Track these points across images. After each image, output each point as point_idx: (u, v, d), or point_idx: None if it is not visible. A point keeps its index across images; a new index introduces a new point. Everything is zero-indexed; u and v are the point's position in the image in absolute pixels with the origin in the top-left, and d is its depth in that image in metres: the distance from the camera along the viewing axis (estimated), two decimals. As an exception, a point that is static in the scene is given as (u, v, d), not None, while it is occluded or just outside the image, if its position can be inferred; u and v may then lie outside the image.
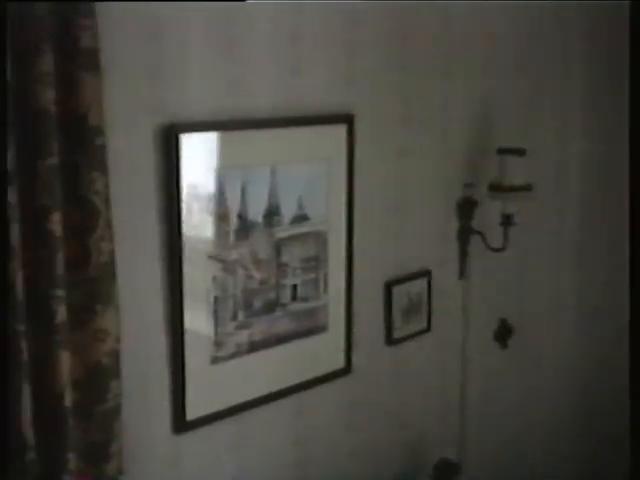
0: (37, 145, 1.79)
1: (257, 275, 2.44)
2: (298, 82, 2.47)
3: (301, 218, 2.53)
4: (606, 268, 3.66)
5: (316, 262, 2.60)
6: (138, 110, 2.12)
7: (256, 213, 2.40)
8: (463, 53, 2.97)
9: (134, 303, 2.18)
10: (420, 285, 2.98)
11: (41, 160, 1.79)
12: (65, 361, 1.88)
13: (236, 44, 2.30)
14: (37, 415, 1.83)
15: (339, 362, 2.73)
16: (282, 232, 2.48)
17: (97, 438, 2.03)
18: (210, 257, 2.31)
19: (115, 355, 2.04)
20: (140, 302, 2.21)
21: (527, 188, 2.98)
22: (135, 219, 2.16)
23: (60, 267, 1.84)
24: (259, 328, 2.46)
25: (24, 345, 1.78)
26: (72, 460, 1.91)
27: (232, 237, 2.35)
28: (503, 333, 3.38)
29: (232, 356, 2.41)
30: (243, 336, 2.43)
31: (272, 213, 2.44)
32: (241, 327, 2.42)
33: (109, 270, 1.99)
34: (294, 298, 2.55)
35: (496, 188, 3.00)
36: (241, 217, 2.36)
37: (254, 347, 2.46)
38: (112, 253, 2.00)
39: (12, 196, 1.73)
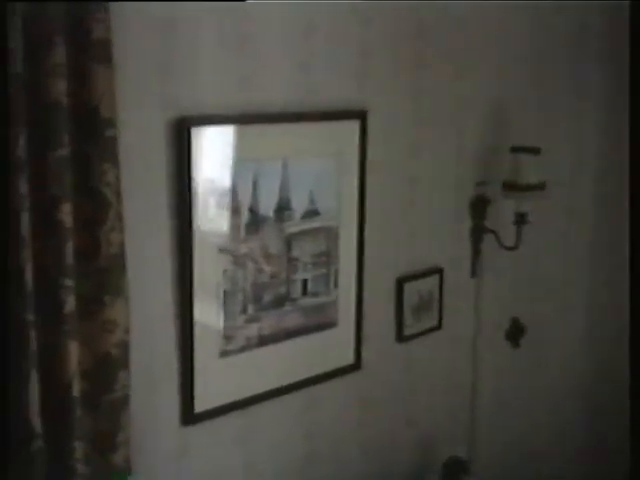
0: (48, 136, 1.80)
1: (267, 269, 2.44)
2: (311, 77, 2.47)
3: (312, 213, 2.53)
4: (620, 268, 3.63)
5: (327, 257, 2.60)
6: (150, 103, 2.13)
7: (267, 207, 2.41)
8: (477, 51, 2.96)
9: (144, 295, 2.19)
10: (432, 283, 2.98)
11: (52, 151, 1.80)
12: (73, 351, 1.89)
13: (249, 39, 2.30)
14: (45, 404, 1.85)
15: (349, 358, 2.74)
16: (293, 227, 2.48)
17: (105, 428, 2.05)
18: (221, 250, 2.32)
19: (124, 346, 2.05)
20: (150, 294, 2.22)
21: (541, 187, 2.97)
22: (146, 212, 2.18)
23: (69, 257, 1.86)
24: (269, 322, 2.47)
25: (33, 334, 1.79)
26: (79, 449, 1.93)
27: (243, 231, 2.36)
28: (515, 332, 3.37)
29: (241, 350, 2.42)
30: (253, 330, 2.44)
31: (283, 208, 2.45)
32: (251, 321, 2.43)
33: (119, 262, 2.00)
34: (304, 293, 2.55)
35: (510, 187, 2.99)
36: (252, 211, 2.37)
37: (263, 341, 2.47)
38: (122, 245, 2.01)
39: (23, 186, 1.74)
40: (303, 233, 2.52)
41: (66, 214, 1.84)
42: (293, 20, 2.40)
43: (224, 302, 2.35)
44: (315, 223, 2.55)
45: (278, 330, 2.50)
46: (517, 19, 3.10)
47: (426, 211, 2.92)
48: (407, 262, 2.90)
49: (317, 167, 2.52)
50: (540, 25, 3.20)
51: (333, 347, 2.69)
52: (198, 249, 2.26)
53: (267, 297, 2.46)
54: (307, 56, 2.45)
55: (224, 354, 2.38)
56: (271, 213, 2.42)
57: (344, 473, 2.83)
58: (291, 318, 2.53)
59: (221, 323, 2.36)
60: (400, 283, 2.87)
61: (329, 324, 2.65)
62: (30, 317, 1.78)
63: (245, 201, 2.35)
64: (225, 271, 2.34)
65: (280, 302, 2.49)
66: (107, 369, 2.03)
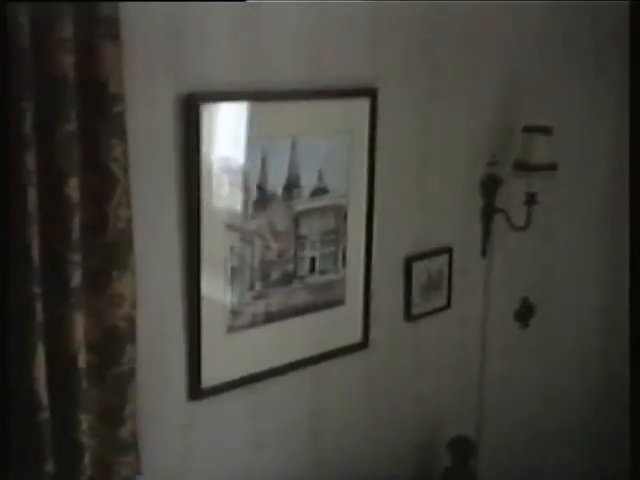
0: (55, 111, 1.81)
1: (275, 246, 2.45)
2: (322, 55, 2.47)
3: (321, 191, 2.53)
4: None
5: (335, 235, 2.61)
6: (159, 79, 2.14)
7: (276, 185, 2.41)
8: (492, 30, 2.94)
9: (151, 270, 2.21)
10: (441, 262, 2.98)
11: (59, 126, 1.81)
12: (79, 324, 1.91)
13: (259, 15, 2.30)
14: (51, 376, 1.87)
15: (356, 336, 2.75)
16: (301, 204, 2.49)
17: (111, 401, 2.07)
18: (228, 227, 2.33)
19: (131, 320, 2.07)
20: (158, 270, 2.24)
21: (552, 167, 2.96)
22: (154, 187, 2.19)
23: (76, 232, 1.87)
24: (276, 299, 2.48)
25: (39, 307, 1.81)
26: (85, 421, 1.95)
27: (251, 208, 2.37)
28: (524, 312, 3.37)
29: (248, 326, 2.43)
30: (260, 306, 2.45)
31: (292, 185, 2.45)
32: (258, 297, 2.44)
33: (126, 236, 2.02)
34: (312, 270, 2.56)
35: (521, 166, 2.98)
36: (260, 188, 2.38)
37: (271, 318, 2.48)
38: (129, 220, 2.02)
39: (30, 161, 1.76)
40: (312, 211, 2.52)
41: (73, 189, 1.85)
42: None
43: (231, 278, 2.37)
44: (324, 201, 2.55)
45: (286, 307, 2.51)
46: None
47: (436, 190, 2.91)
48: (416, 241, 2.90)
49: (327, 145, 2.52)
50: (557, 5, 3.17)
51: (341, 325, 2.70)
52: (206, 225, 2.27)
53: (275, 274, 2.47)
54: (318, 33, 2.45)
55: (231, 330, 2.40)
56: (280, 191, 2.42)
57: (351, 450, 2.85)
58: (299, 295, 2.54)
59: (228, 299, 2.37)
60: (409, 262, 2.87)
61: (337, 302, 2.66)
62: (37, 290, 1.80)
63: (253, 178, 2.36)
64: (232, 248, 2.35)
65: (288, 279, 2.50)
66: (114, 342, 2.05)
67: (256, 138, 2.34)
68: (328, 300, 2.63)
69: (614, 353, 3.55)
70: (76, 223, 1.87)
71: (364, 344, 2.77)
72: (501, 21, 2.97)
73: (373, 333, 2.79)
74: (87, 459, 1.97)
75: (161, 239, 2.23)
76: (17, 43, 1.70)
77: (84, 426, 1.95)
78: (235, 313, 2.40)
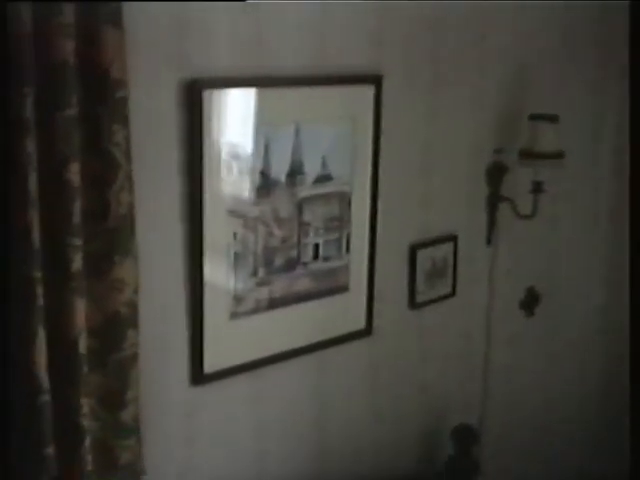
0: (56, 96, 1.81)
1: (278, 233, 2.45)
2: (326, 41, 2.47)
3: (325, 178, 2.53)
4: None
5: (339, 222, 2.61)
6: (162, 65, 2.13)
7: (279, 171, 2.41)
8: (498, 17, 2.93)
9: (154, 256, 2.21)
10: (446, 250, 2.98)
11: (60, 111, 1.81)
12: (80, 308, 1.92)
13: (263, 1, 2.29)
14: (52, 360, 1.88)
15: (360, 323, 2.75)
16: (305, 191, 2.49)
17: (113, 385, 2.08)
18: (231, 213, 2.33)
19: (133, 305, 2.07)
20: (160, 255, 2.24)
21: (558, 155, 2.95)
22: (157, 173, 2.19)
23: (77, 217, 1.88)
24: (279, 285, 2.49)
25: (39, 291, 1.82)
26: (85, 405, 1.96)
27: (254, 194, 2.37)
28: (530, 301, 3.37)
29: (251, 312, 2.44)
30: (263, 293, 2.45)
31: (295, 172, 2.45)
32: (261, 284, 2.45)
33: (128, 222, 2.02)
34: (316, 257, 2.57)
35: (527, 154, 2.98)
36: (263, 175, 2.38)
37: (274, 304, 2.49)
38: (131, 205, 2.03)
39: (30, 146, 1.76)
40: (315, 198, 2.52)
41: (74, 174, 1.86)
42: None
43: (234, 264, 2.37)
44: (328, 188, 2.55)
45: (289, 293, 2.52)
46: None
47: (441, 178, 2.91)
48: (421, 229, 2.90)
49: (331, 132, 2.52)
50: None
51: (344, 312, 2.70)
52: (208, 211, 2.27)
53: (278, 261, 2.47)
54: (322, 20, 2.44)
55: (234, 316, 2.40)
56: (283, 177, 2.42)
57: (355, 437, 2.86)
58: (302, 282, 2.55)
59: (231, 285, 2.38)
60: (413, 249, 2.87)
61: (340, 289, 2.66)
62: (37, 274, 1.81)
63: (257, 165, 2.36)
64: (235, 234, 2.35)
65: (291, 266, 2.50)
66: (116, 327, 2.05)
67: (259, 124, 2.34)
68: (332, 287, 2.63)
69: (618, 341, 3.52)
70: (77, 207, 1.87)
71: (368, 331, 2.78)
72: (507, 9, 2.95)
73: (377, 320, 2.79)
74: (88, 443, 1.98)
75: (164, 224, 2.24)
76: (18, 28, 1.71)
77: (85, 410, 1.96)
78: (238, 299, 2.40)
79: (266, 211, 2.41)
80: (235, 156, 2.31)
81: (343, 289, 2.67)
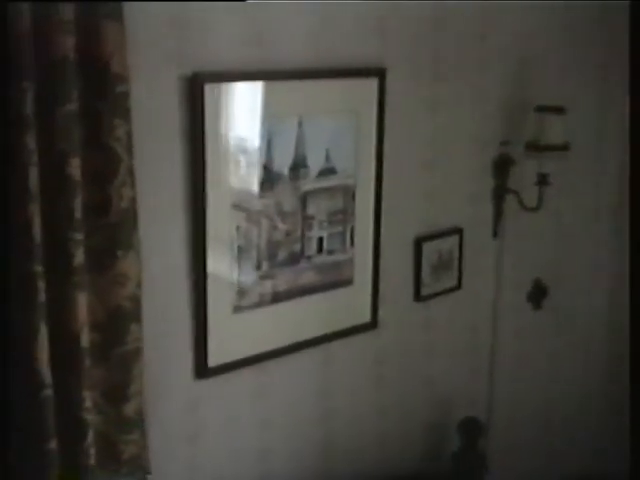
0: (56, 91, 1.81)
1: (282, 226, 2.45)
2: (329, 34, 2.46)
3: (328, 171, 2.53)
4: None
5: (343, 215, 2.60)
6: (163, 59, 2.14)
7: (282, 165, 2.41)
8: (504, 8, 2.90)
9: (158, 250, 2.22)
10: (451, 242, 2.97)
11: (60, 106, 1.82)
12: (82, 303, 1.92)
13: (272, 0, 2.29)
14: (54, 355, 1.89)
15: (365, 316, 2.75)
16: (308, 184, 2.48)
17: (117, 379, 2.09)
18: (234, 207, 2.33)
19: (136, 300, 2.08)
20: (164, 249, 2.25)
21: (564, 147, 2.93)
22: (159, 167, 2.19)
23: (78, 212, 1.88)
24: (283, 279, 2.49)
25: (41, 286, 1.82)
26: (88, 399, 1.97)
27: (257, 188, 2.37)
28: (537, 294, 3.35)
29: (255, 306, 2.44)
30: (267, 286, 2.45)
31: (299, 165, 2.45)
32: (265, 277, 2.45)
33: (130, 216, 2.02)
34: (320, 250, 2.56)
35: (533, 146, 2.96)
36: (266, 168, 2.38)
37: (278, 298, 2.49)
38: (133, 200, 2.03)
39: (31, 141, 1.77)
40: (319, 191, 2.52)
41: (75, 169, 1.86)
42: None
43: (238, 258, 2.37)
44: (331, 181, 2.55)
45: (293, 287, 2.52)
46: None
47: (447, 170, 2.90)
48: (426, 222, 2.89)
49: (334, 125, 2.52)
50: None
51: (349, 305, 2.70)
52: (211, 205, 2.27)
53: (282, 254, 2.47)
54: (325, 12, 2.43)
55: (238, 310, 2.41)
56: (286, 171, 2.42)
57: (360, 431, 2.86)
58: (306, 275, 2.55)
59: (235, 279, 2.38)
60: (419, 242, 2.86)
61: (345, 282, 2.66)
62: (38, 269, 1.81)
63: (260, 158, 2.36)
64: (239, 227, 2.35)
65: (295, 259, 2.50)
66: (119, 322, 2.06)
67: (262, 118, 2.34)
68: (336, 280, 2.63)
69: (625, 334, 3.50)
70: (78, 202, 1.88)
71: (373, 324, 2.77)
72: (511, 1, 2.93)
73: (382, 313, 2.79)
74: (91, 437, 1.99)
75: (167, 219, 2.24)
76: (18, 25, 1.71)
77: (87, 404, 1.97)
78: (242, 293, 2.40)
79: (269, 205, 2.41)
80: (238, 150, 2.31)
81: (347, 282, 2.66)
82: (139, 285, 2.08)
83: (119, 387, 2.09)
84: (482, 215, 3.07)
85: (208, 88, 2.20)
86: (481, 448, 2.99)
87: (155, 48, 2.11)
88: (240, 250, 2.37)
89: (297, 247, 2.50)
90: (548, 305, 3.38)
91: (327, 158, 2.51)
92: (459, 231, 2.98)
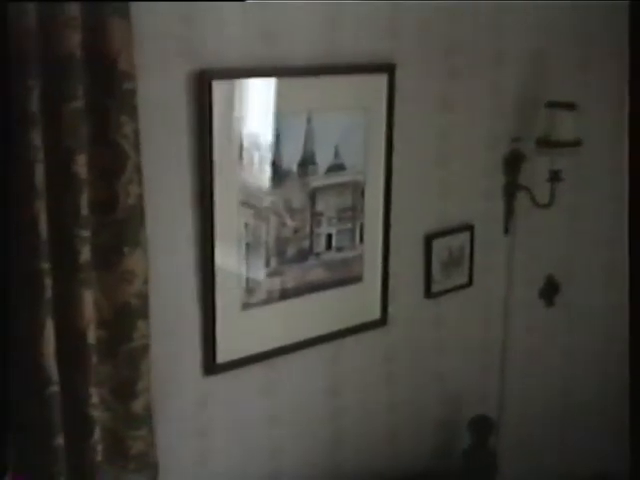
0: (62, 88, 1.82)
1: (290, 223, 2.45)
2: (338, 29, 2.45)
3: (337, 167, 2.52)
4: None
5: (352, 212, 2.60)
6: (171, 56, 2.13)
7: (291, 161, 2.40)
8: (514, 4, 2.88)
9: (166, 247, 2.22)
10: (462, 239, 2.96)
11: (66, 103, 1.82)
12: (88, 300, 1.93)
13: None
14: (60, 351, 1.89)
15: (374, 313, 2.74)
16: (317, 181, 2.48)
17: (124, 376, 2.09)
18: (242, 203, 2.33)
19: (143, 296, 2.08)
20: (172, 246, 2.25)
21: (576, 143, 2.91)
22: (167, 164, 2.19)
23: (85, 209, 1.89)
24: (292, 276, 2.48)
25: (47, 283, 1.83)
26: (95, 396, 1.97)
27: (265, 185, 2.36)
28: (549, 290, 3.33)
29: (264, 302, 2.44)
30: (275, 283, 2.45)
31: (307, 162, 2.44)
32: (273, 274, 2.44)
33: (137, 213, 2.03)
34: (328, 247, 2.56)
35: (544, 143, 2.94)
36: (275, 165, 2.37)
37: (286, 294, 2.48)
38: (141, 197, 2.03)
39: (37, 138, 1.77)
40: (328, 187, 2.51)
41: (81, 166, 1.87)
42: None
43: (246, 255, 2.37)
44: (340, 177, 2.54)
45: (301, 284, 2.51)
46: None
47: (457, 167, 2.88)
48: (437, 218, 2.88)
49: (343, 121, 2.51)
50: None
51: (358, 302, 2.69)
52: (219, 202, 2.27)
53: (290, 251, 2.47)
54: (334, 7, 2.42)
55: (246, 306, 2.40)
56: (295, 167, 2.42)
57: (370, 428, 2.85)
58: (315, 272, 2.54)
59: (243, 276, 2.38)
60: (429, 239, 2.85)
61: (354, 279, 2.65)
62: (44, 266, 1.82)
63: (268, 155, 2.35)
64: (247, 224, 2.35)
65: (303, 256, 2.50)
66: (126, 319, 2.06)
67: (270, 114, 2.33)
68: (345, 277, 2.62)
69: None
70: (84, 199, 1.88)
71: (383, 321, 2.77)
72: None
73: (392, 310, 2.78)
74: (98, 433, 1.99)
75: (175, 216, 2.24)
76: (23, 22, 1.71)
77: (94, 400, 1.98)
78: (250, 290, 2.40)
79: (278, 201, 2.40)
80: (246, 146, 2.30)
81: (357, 279, 2.66)
82: (146, 282, 2.09)
83: (127, 384, 2.10)
84: (493, 212, 3.06)
85: (216, 85, 2.19)
86: (492, 446, 2.98)
87: (162, 45, 2.10)
88: (248, 247, 2.37)
89: (306, 244, 2.49)
90: (560, 302, 3.36)
91: (336, 154, 2.51)
92: (470, 228, 2.97)
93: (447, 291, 2.95)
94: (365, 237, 2.64)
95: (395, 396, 2.90)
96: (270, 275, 2.44)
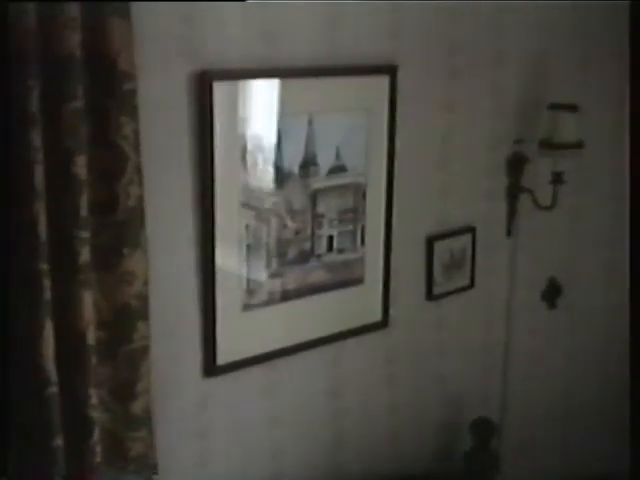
0: (62, 88, 1.81)
1: (291, 225, 2.44)
2: (339, 31, 2.44)
3: (339, 169, 2.52)
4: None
5: (354, 214, 2.59)
6: (171, 56, 2.13)
7: (292, 163, 2.40)
8: (516, 5, 2.88)
9: (166, 248, 2.22)
10: (464, 241, 2.95)
11: (66, 103, 1.82)
12: (87, 301, 1.92)
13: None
14: (60, 353, 1.89)
15: (376, 315, 2.73)
16: (318, 182, 2.47)
17: (124, 377, 2.09)
18: (243, 205, 2.32)
19: (143, 298, 2.08)
20: (172, 248, 2.24)
21: (578, 145, 2.90)
22: (168, 165, 2.19)
23: (84, 210, 1.88)
24: (293, 277, 2.48)
25: (46, 284, 1.82)
26: (94, 397, 1.97)
27: (266, 186, 2.36)
28: (551, 292, 3.33)
29: (264, 304, 2.43)
30: (276, 285, 2.45)
31: (308, 163, 2.44)
32: (274, 276, 2.44)
33: (137, 214, 2.02)
34: (330, 249, 2.55)
35: (546, 145, 2.93)
36: (276, 166, 2.37)
37: (287, 296, 2.48)
38: (141, 198, 2.03)
39: (36, 139, 1.77)
40: (329, 189, 2.51)
41: (81, 167, 1.86)
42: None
43: (247, 257, 2.36)
44: (342, 179, 2.53)
45: (303, 285, 2.51)
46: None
47: (459, 169, 2.87)
48: (438, 220, 2.87)
49: (345, 123, 2.50)
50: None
51: (359, 304, 2.69)
52: (220, 203, 2.26)
53: (291, 253, 2.46)
54: (336, 8, 2.42)
55: (247, 308, 2.40)
56: (296, 169, 2.41)
57: (371, 430, 2.85)
58: (316, 274, 2.54)
59: (244, 277, 2.37)
60: (430, 241, 2.85)
61: (355, 281, 2.64)
62: (43, 267, 1.81)
63: (269, 156, 2.35)
64: (248, 226, 2.35)
65: (305, 258, 2.49)
66: (126, 320, 2.06)
67: (271, 116, 2.33)
68: (346, 279, 2.62)
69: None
70: (84, 200, 1.88)
71: (384, 323, 2.76)
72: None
73: (393, 312, 2.77)
74: (97, 434, 1.99)
75: (175, 217, 2.24)
76: (23, 22, 1.71)
77: (94, 401, 1.97)
78: (251, 291, 2.40)
79: (279, 203, 2.40)
80: (247, 148, 2.30)
81: (358, 281, 2.65)
82: (146, 283, 2.08)
83: (126, 385, 2.10)
84: (496, 214, 3.05)
85: (217, 86, 2.19)
86: (493, 448, 2.97)
87: (163, 45, 2.10)
88: (249, 248, 2.37)
89: (307, 245, 2.49)
90: (563, 304, 3.35)
91: (337, 156, 2.50)
92: (472, 230, 2.96)
93: (449, 293, 2.95)
94: (366, 239, 2.64)
95: (396, 398, 2.90)
96: (271, 277, 2.43)
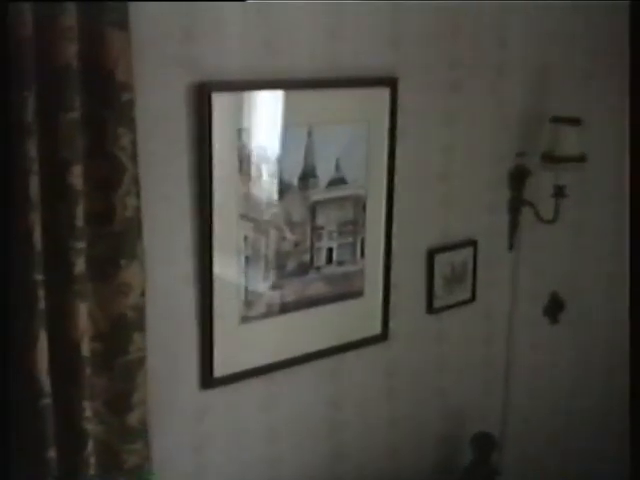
0: (58, 99, 1.81)
1: (290, 237, 2.44)
2: (340, 43, 2.44)
3: (338, 181, 2.51)
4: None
5: (354, 226, 2.58)
6: (170, 67, 2.13)
7: (291, 175, 2.39)
8: (519, 17, 2.88)
9: (163, 260, 2.21)
10: (465, 254, 2.94)
11: (62, 114, 1.81)
12: (82, 312, 1.92)
13: (275, 2, 2.27)
14: (54, 364, 1.88)
15: (375, 328, 2.72)
16: (318, 194, 2.47)
17: (119, 389, 2.07)
18: (242, 217, 2.32)
19: (139, 309, 2.07)
20: (170, 259, 2.24)
21: (580, 159, 2.89)
22: (166, 177, 2.18)
23: (80, 220, 1.88)
24: (291, 290, 2.47)
25: (41, 294, 1.82)
26: (88, 409, 1.96)
27: (265, 198, 2.35)
28: (553, 307, 3.31)
29: (263, 316, 2.42)
30: (275, 297, 2.44)
31: (308, 175, 2.43)
32: (273, 288, 2.43)
33: (134, 225, 2.01)
34: (329, 261, 2.54)
35: (548, 158, 2.92)
36: (275, 178, 2.36)
37: (286, 308, 2.47)
38: (138, 209, 2.02)
39: (32, 149, 1.76)
40: (329, 201, 2.50)
41: (77, 177, 1.86)
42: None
43: (245, 268, 2.36)
44: (341, 191, 2.53)
45: (302, 298, 2.50)
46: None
47: (460, 182, 2.86)
48: (439, 233, 2.86)
49: (345, 135, 2.50)
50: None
51: (359, 317, 2.68)
52: (218, 215, 2.26)
53: (290, 265, 2.45)
54: (336, 20, 2.42)
55: (245, 320, 2.39)
56: (295, 180, 2.41)
57: (370, 443, 2.83)
58: (315, 286, 2.52)
59: (242, 289, 2.37)
60: (431, 254, 2.83)
61: (355, 293, 2.63)
62: (38, 277, 1.81)
63: (268, 168, 2.34)
64: (246, 238, 2.34)
65: (304, 270, 2.48)
66: (122, 331, 2.05)
67: (271, 127, 2.33)
68: (346, 291, 2.61)
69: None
70: (80, 211, 1.87)
71: (384, 336, 2.75)
72: (527, 10, 2.89)
73: (393, 325, 2.76)
74: (91, 446, 1.98)
75: (173, 228, 2.23)
76: (19, 31, 1.71)
77: (88, 413, 1.96)
78: (249, 303, 2.39)
79: (278, 215, 2.39)
80: (246, 159, 2.29)
81: (358, 294, 2.64)
82: (143, 294, 2.07)
83: (122, 396, 2.08)
84: (497, 227, 3.04)
85: (216, 97, 2.19)
86: (494, 462, 2.95)
87: (162, 56, 2.10)
88: (248, 260, 2.36)
89: (306, 258, 2.48)
90: (565, 319, 3.33)
91: (337, 168, 2.50)
92: (473, 243, 2.95)
93: (449, 307, 2.93)
94: (366, 251, 2.63)
95: (396, 411, 2.88)
96: (270, 289, 2.42)
